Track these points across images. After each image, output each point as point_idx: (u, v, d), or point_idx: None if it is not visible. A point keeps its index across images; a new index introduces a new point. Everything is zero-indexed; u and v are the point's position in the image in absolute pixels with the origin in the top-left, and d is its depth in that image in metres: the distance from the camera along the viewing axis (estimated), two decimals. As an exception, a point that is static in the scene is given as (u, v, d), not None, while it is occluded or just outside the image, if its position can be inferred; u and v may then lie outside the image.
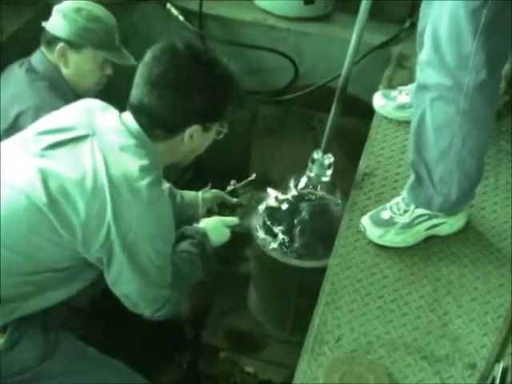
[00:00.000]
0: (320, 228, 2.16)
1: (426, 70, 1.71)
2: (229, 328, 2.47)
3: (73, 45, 2.16)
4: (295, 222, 2.14)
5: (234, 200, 2.29)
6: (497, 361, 1.29)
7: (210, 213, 2.21)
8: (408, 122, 1.93)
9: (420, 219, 1.89)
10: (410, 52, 2.60)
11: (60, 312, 1.89)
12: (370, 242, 1.92)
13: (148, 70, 1.62)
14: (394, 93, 2.37)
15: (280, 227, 2.16)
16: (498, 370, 1.25)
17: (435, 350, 1.67)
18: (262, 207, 2.24)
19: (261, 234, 2.19)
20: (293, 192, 2.17)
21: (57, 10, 2.17)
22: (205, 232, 1.96)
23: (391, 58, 2.75)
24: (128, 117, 1.67)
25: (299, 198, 2.16)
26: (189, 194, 2.19)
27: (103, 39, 2.17)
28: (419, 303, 1.78)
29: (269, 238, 2.17)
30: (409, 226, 1.90)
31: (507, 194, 2.10)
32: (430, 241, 1.94)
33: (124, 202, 1.56)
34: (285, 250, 2.14)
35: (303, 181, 2.16)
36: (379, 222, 1.92)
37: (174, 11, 2.97)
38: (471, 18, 1.57)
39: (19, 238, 1.60)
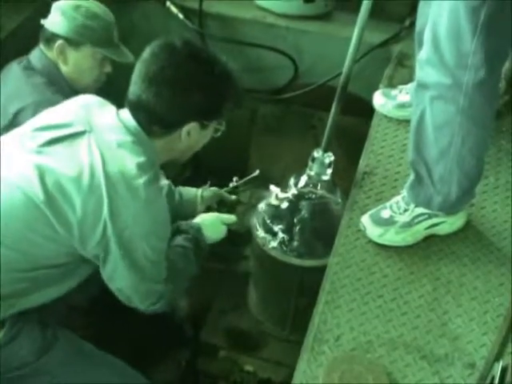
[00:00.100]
0: (320, 227, 2.16)
1: (426, 68, 1.71)
2: (228, 327, 2.47)
3: (72, 42, 2.16)
4: (295, 220, 2.14)
5: (233, 198, 2.29)
6: (496, 360, 1.29)
7: (209, 210, 2.21)
8: (408, 121, 1.93)
9: (420, 218, 1.89)
10: (410, 51, 2.60)
11: (58, 309, 1.89)
12: (370, 241, 1.92)
13: (146, 67, 1.62)
14: (394, 92, 2.37)
15: (280, 226, 2.16)
16: (498, 369, 1.24)
17: (435, 349, 1.67)
18: (261, 206, 2.24)
19: (260, 233, 2.19)
20: (293, 191, 2.16)
21: (55, 7, 2.17)
22: (199, 227, 1.95)
23: (391, 56, 2.75)
24: (125, 113, 1.67)
25: (299, 196, 2.16)
26: (188, 192, 2.19)
27: (102, 36, 2.17)
28: (419, 302, 1.78)
29: (269, 237, 2.16)
30: (409, 225, 1.89)
31: (507, 194, 2.10)
32: (430, 240, 1.94)
33: (121, 200, 1.56)
34: (285, 248, 2.14)
35: (303, 179, 2.15)
36: (379, 221, 1.92)
37: (174, 9, 2.96)
38: (470, 16, 1.56)
39: (16, 235, 1.60)
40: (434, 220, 1.90)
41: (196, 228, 1.95)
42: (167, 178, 2.13)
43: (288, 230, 2.15)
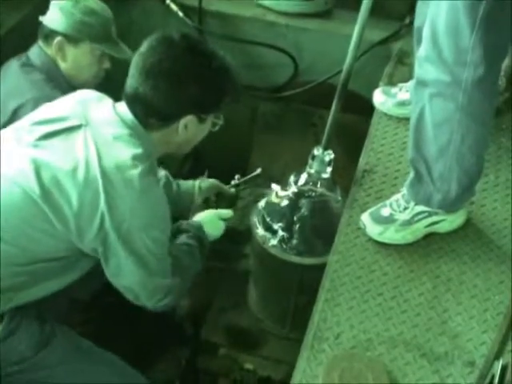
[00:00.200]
0: (320, 225, 2.16)
1: (425, 65, 1.70)
2: (228, 325, 2.47)
3: (70, 38, 2.16)
4: (295, 218, 2.14)
5: (232, 190, 2.28)
6: (496, 358, 1.28)
7: (206, 202, 2.21)
8: (408, 119, 1.92)
9: (420, 216, 1.89)
10: (410, 48, 2.59)
11: (57, 305, 1.89)
12: (370, 239, 1.92)
13: (143, 60, 1.62)
14: (394, 89, 2.37)
15: (280, 224, 2.16)
16: (498, 367, 1.24)
17: (435, 347, 1.67)
18: (261, 204, 2.24)
19: (260, 231, 2.19)
20: (293, 189, 2.16)
21: (54, 4, 2.17)
22: (200, 225, 1.95)
23: (391, 54, 2.75)
24: (122, 107, 1.67)
25: (299, 194, 2.16)
26: (185, 183, 2.18)
27: (100, 32, 2.17)
28: (419, 300, 1.77)
29: (268, 235, 2.16)
30: (408, 223, 1.89)
31: (507, 191, 2.09)
32: (430, 238, 1.93)
33: (116, 192, 1.56)
34: (284, 246, 2.14)
35: (303, 177, 2.15)
36: (379, 219, 1.91)
37: (174, 7, 2.96)
38: (469, 11, 1.56)
39: (15, 230, 1.60)
40: (434, 218, 1.90)
41: (197, 226, 1.95)
42: (166, 173, 2.13)
43: (288, 228, 2.15)
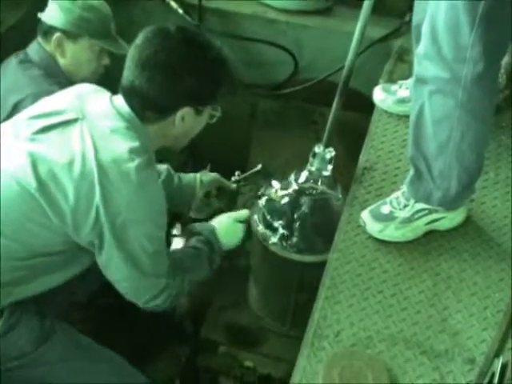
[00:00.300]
0: (320, 223, 2.16)
1: (424, 62, 1.70)
2: (228, 322, 2.47)
3: (69, 34, 2.16)
4: (295, 216, 2.14)
5: (233, 185, 2.27)
6: (496, 356, 1.28)
7: (207, 196, 2.20)
8: (408, 116, 1.92)
9: (420, 214, 1.89)
10: (410, 46, 2.57)
11: (57, 302, 1.89)
12: (370, 237, 1.92)
13: (139, 52, 1.62)
14: (394, 87, 2.37)
15: (280, 221, 2.16)
16: (498, 365, 1.24)
17: (435, 344, 1.67)
18: (262, 201, 2.24)
19: (261, 229, 2.18)
20: (293, 186, 2.16)
21: (53, 0, 2.17)
22: (213, 229, 1.94)
23: (392, 51, 2.75)
24: (119, 100, 1.67)
25: (300, 192, 2.15)
26: (187, 176, 2.17)
27: (99, 28, 2.17)
28: (419, 298, 1.77)
29: (269, 233, 2.16)
30: (409, 220, 1.89)
31: (507, 189, 2.09)
32: (430, 235, 1.93)
33: (112, 185, 1.56)
34: (285, 244, 2.14)
35: (304, 175, 2.15)
36: (379, 217, 1.91)
37: (174, 4, 2.96)
38: (469, 8, 1.56)
39: (13, 224, 1.60)
40: (434, 215, 1.90)
41: (210, 229, 1.93)
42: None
43: (288, 226, 2.15)
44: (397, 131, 2.29)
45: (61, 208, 1.57)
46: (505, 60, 2.27)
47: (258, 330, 2.44)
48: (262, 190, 2.25)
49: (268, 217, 2.18)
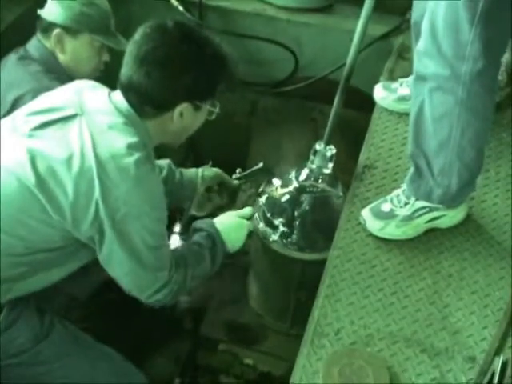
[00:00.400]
0: (321, 220, 2.15)
1: (423, 59, 1.70)
2: (228, 320, 2.47)
3: (69, 30, 2.16)
4: (296, 214, 2.14)
5: (235, 181, 2.27)
6: (497, 354, 1.29)
7: (209, 191, 2.20)
8: (409, 114, 1.92)
9: (420, 212, 1.89)
10: (411, 43, 2.59)
11: (57, 300, 1.89)
12: (371, 235, 1.92)
13: (137, 48, 1.62)
14: (394, 85, 2.36)
15: (281, 219, 2.15)
16: (498, 363, 1.24)
17: (435, 342, 1.67)
18: (262, 199, 2.24)
19: (261, 226, 2.18)
20: (294, 184, 2.16)
21: None
22: (213, 223, 1.93)
23: (392, 49, 2.74)
24: (117, 96, 1.67)
25: (300, 190, 2.15)
26: (188, 172, 2.17)
27: (99, 24, 2.18)
28: (419, 296, 1.77)
29: (269, 230, 2.16)
30: (409, 218, 1.89)
31: (508, 187, 2.09)
32: (431, 233, 1.93)
33: (111, 180, 1.56)
34: (285, 242, 2.14)
35: (304, 173, 2.15)
36: (379, 215, 1.91)
37: (174, 1, 2.95)
38: (469, 5, 1.55)
39: (12, 220, 1.61)
40: (435, 213, 1.90)
41: (211, 225, 1.92)
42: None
43: (289, 224, 2.14)
44: (397, 129, 2.29)
45: (60, 204, 1.58)
46: (506, 57, 2.27)
47: (258, 328, 2.44)
48: (262, 187, 2.25)
49: (268, 214, 2.18)
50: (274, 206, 2.19)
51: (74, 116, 1.64)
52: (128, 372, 1.91)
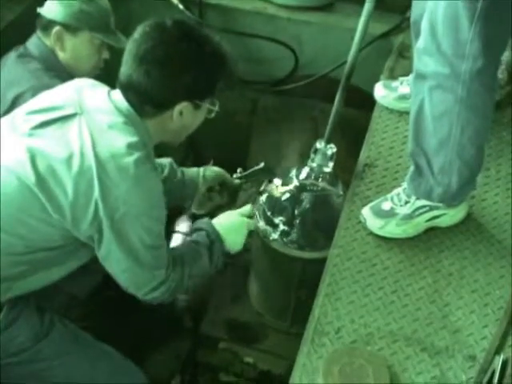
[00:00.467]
0: (321, 219, 2.15)
1: (423, 58, 1.70)
2: (229, 318, 2.47)
3: (69, 28, 2.16)
4: (296, 212, 2.14)
5: (236, 181, 2.26)
6: (497, 353, 1.29)
7: (210, 191, 2.20)
8: (409, 113, 1.92)
9: (421, 210, 1.89)
10: (411, 42, 2.59)
11: (57, 299, 1.89)
12: (371, 233, 1.92)
13: (136, 47, 1.62)
14: (395, 83, 2.36)
15: (281, 218, 2.15)
16: (498, 362, 1.24)
17: (435, 341, 1.67)
18: (262, 197, 2.23)
19: (261, 225, 2.18)
20: (294, 182, 2.16)
21: None
22: (209, 221, 1.93)
23: (393, 48, 2.74)
24: (117, 95, 1.67)
25: (301, 188, 2.15)
26: (190, 171, 2.17)
27: (99, 22, 2.18)
28: (419, 294, 1.77)
29: (269, 229, 2.16)
30: (409, 217, 1.89)
31: (508, 186, 2.09)
32: (431, 232, 1.93)
33: (111, 180, 1.56)
34: (285, 240, 2.14)
35: (305, 171, 2.15)
36: (380, 213, 1.91)
37: (174, 0, 2.95)
38: (468, 3, 1.55)
39: (12, 219, 1.61)
40: (435, 212, 1.90)
41: (209, 224, 1.92)
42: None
43: (289, 222, 2.14)
44: (398, 128, 2.29)
45: (60, 203, 1.58)
46: (506, 56, 2.26)
47: (259, 326, 2.44)
48: (263, 186, 2.25)
49: (269, 213, 2.18)
50: (275, 204, 2.18)
51: (73, 115, 1.64)
52: (128, 370, 1.91)
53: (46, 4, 2.18)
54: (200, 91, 1.68)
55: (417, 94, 1.76)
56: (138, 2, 3.05)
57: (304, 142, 2.81)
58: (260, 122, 3.20)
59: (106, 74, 2.18)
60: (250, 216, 2.02)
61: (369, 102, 2.44)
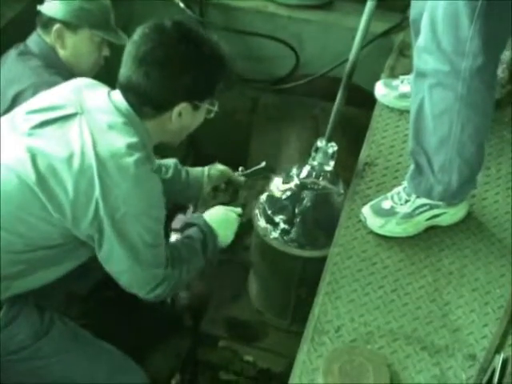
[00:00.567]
0: (321, 218, 2.15)
1: (423, 55, 1.70)
2: (229, 317, 2.47)
3: (69, 26, 2.16)
4: (297, 211, 2.14)
5: (242, 179, 2.25)
6: (497, 352, 1.28)
7: (215, 190, 2.20)
8: (410, 112, 1.92)
9: (421, 209, 1.89)
10: (411, 40, 2.59)
11: (56, 297, 1.89)
12: (371, 232, 1.92)
13: (136, 48, 1.62)
14: (395, 82, 2.36)
15: (281, 216, 2.15)
16: (499, 361, 1.24)
17: (435, 340, 1.67)
18: (263, 196, 2.23)
19: (262, 223, 2.18)
20: (295, 181, 2.15)
21: None
22: (201, 216, 1.94)
23: (393, 46, 2.74)
24: (117, 95, 1.67)
25: (301, 187, 2.15)
26: (194, 170, 2.17)
27: (99, 19, 2.18)
28: (420, 293, 1.77)
29: (270, 227, 2.16)
30: (410, 215, 1.89)
31: (508, 185, 2.09)
32: (431, 231, 1.93)
33: (111, 179, 1.56)
34: (286, 239, 2.14)
35: (305, 170, 2.14)
36: (380, 212, 1.91)
37: (175, -2, 2.95)
38: (468, 0, 1.55)
39: (11, 217, 1.61)
40: (435, 211, 1.90)
41: (201, 218, 1.93)
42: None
43: (289, 221, 2.14)
44: (398, 126, 2.28)
45: (60, 202, 1.58)
46: (507, 55, 2.26)
47: (259, 325, 2.44)
48: (264, 185, 2.25)
49: (269, 211, 2.18)
50: (275, 203, 2.19)
51: (74, 115, 1.64)
52: (128, 368, 1.91)
53: (46, 2, 2.18)
54: (199, 92, 1.68)
55: (417, 93, 1.76)
56: (139, 0, 3.05)
57: (304, 140, 2.81)
58: (260, 121, 3.20)
59: (107, 73, 2.18)
60: (240, 215, 2.03)
61: (369, 101, 2.43)
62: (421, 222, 1.90)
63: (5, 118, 1.74)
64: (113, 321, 2.29)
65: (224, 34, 2.87)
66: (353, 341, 1.65)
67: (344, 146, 2.21)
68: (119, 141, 1.59)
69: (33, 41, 2.20)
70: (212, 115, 1.76)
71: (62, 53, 2.20)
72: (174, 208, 2.24)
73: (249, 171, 2.28)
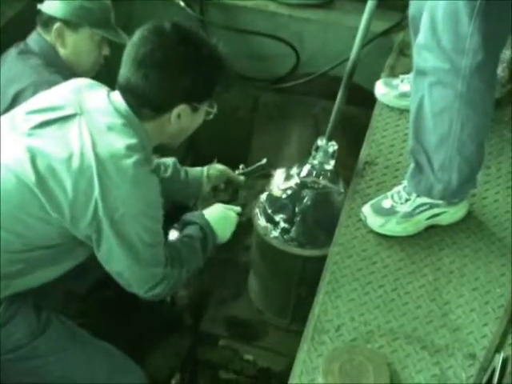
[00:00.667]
0: (322, 217, 2.15)
1: (423, 53, 1.70)
2: (229, 316, 2.47)
3: (70, 24, 2.16)
4: (297, 210, 2.13)
5: (241, 178, 2.26)
6: (497, 351, 1.28)
7: (215, 190, 2.19)
8: (410, 111, 1.91)
9: (421, 208, 1.88)
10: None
11: (55, 296, 1.89)
12: (371, 231, 1.92)
13: (135, 50, 1.62)
14: (395, 81, 2.36)
15: (281, 215, 2.15)
16: (499, 360, 1.24)
17: (435, 339, 1.67)
18: (263, 195, 2.23)
19: (262, 222, 2.18)
20: (295, 180, 2.15)
21: None
22: (202, 214, 1.95)
23: (393, 45, 2.74)
24: (116, 96, 1.67)
25: (301, 186, 2.15)
26: (194, 170, 2.17)
27: (100, 17, 2.18)
28: (420, 292, 1.77)
29: (270, 226, 2.16)
30: (410, 215, 1.89)
31: (509, 184, 2.09)
32: (432, 230, 1.93)
33: (110, 180, 1.56)
34: (286, 238, 2.14)
35: (306, 169, 2.14)
36: (380, 211, 1.91)
37: (175, -3, 2.95)
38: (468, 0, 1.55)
39: (9, 217, 1.61)
40: (436, 210, 1.90)
41: (201, 216, 1.94)
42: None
43: (290, 220, 2.14)
44: (398, 125, 2.28)
45: (59, 202, 1.58)
46: (507, 54, 2.26)
47: (259, 324, 2.44)
48: (264, 184, 2.25)
49: (269, 210, 2.18)
50: (275, 202, 2.18)
51: (73, 115, 1.64)
52: (127, 368, 1.91)
53: (46, 0, 2.18)
54: (198, 94, 1.69)
55: (417, 91, 1.76)
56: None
57: (305, 139, 2.81)
58: (261, 119, 3.20)
59: (107, 72, 2.18)
60: (239, 214, 2.03)
61: (369, 100, 2.43)
62: (421, 221, 1.90)
63: (5, 117, 1.74)
64: (112, 320, 2.29)
65: (224, 33, 2.88)
66: (353, 340, 1.65)
67: (344, 145, 2.21)
68: (118, 142, 1.59)
69: (33, 39, 2.20)
70: (211, 117, 1.77)
71: (62, 51, 2.20)
72: (176, 209, 2.24)
73: (249, 168, 2.28)
